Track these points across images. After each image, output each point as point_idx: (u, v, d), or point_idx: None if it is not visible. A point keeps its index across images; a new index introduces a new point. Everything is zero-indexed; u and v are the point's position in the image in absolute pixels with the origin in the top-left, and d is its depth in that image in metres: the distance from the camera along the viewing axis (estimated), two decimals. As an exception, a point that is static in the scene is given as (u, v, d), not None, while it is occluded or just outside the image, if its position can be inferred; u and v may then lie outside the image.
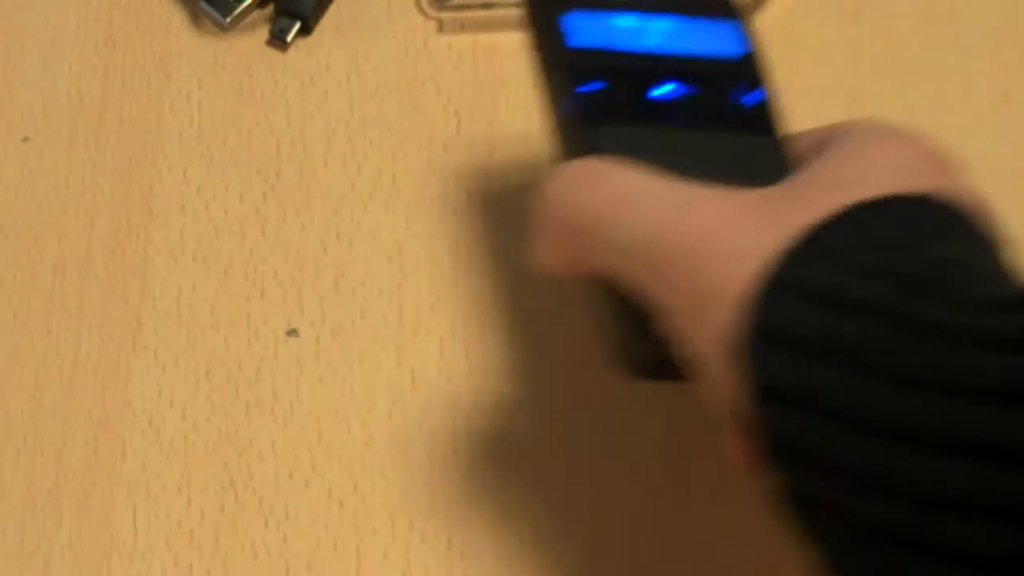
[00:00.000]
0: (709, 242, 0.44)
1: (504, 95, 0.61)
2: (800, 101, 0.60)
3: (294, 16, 0.63)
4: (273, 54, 0.63)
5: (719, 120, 0.50)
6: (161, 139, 0.62)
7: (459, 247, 0.59)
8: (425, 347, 0.57)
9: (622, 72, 0.51)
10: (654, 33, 0.52)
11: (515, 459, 0.56)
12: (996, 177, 0.59)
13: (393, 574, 0.54)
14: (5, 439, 0.57)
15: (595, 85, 0.51)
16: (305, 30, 0.63)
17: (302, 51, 0.63)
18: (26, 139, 0.62)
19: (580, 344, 0.57)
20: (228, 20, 0.62)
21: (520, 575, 0.54)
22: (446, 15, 0.63)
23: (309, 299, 0.58)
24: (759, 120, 0.51)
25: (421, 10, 0.63)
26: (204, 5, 0.63)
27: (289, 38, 0.62)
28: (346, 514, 0.55)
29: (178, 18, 0.64)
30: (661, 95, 0.51)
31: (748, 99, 0.51)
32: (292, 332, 0.58)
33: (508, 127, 0.60)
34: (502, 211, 0.59)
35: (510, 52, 0.62)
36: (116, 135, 0.62)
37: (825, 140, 0.49)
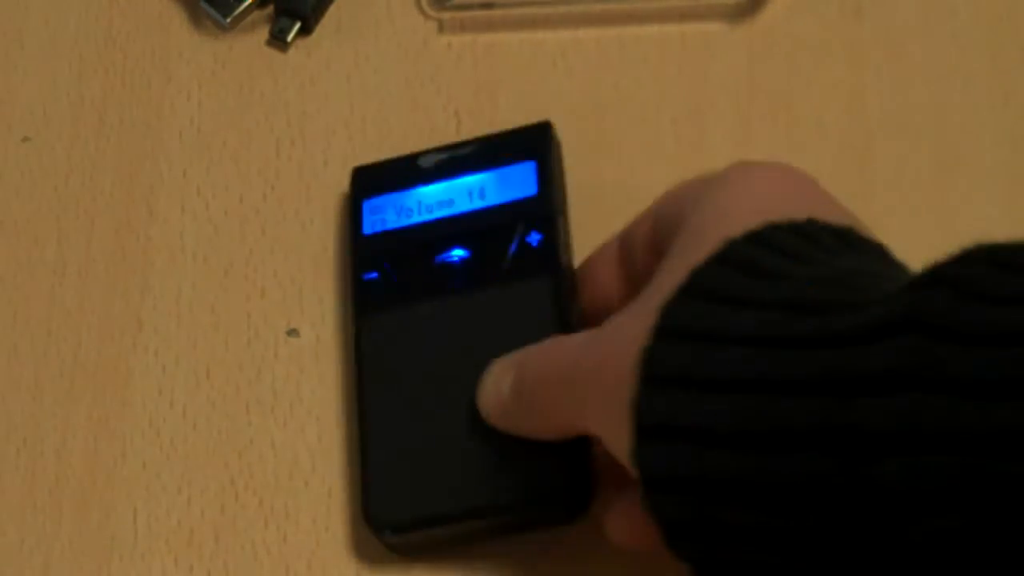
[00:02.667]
0: (608, 357, 0.46)
1: (504, 95, 0.61)
2: (800, 101, 0.60)
3: (294, 16, 0.63)
4: (273, 54, 0.63)
5: (496, 276, 0.54)
6: (161, 139, 0.62)
7: (459, 247, 0.59)
8: (425, 347, 0.57)
9: (405, 249, 0.55)
10: (447, 197, 0.56)
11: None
12: (996, 177, 0.59)
13: (393, 574, 0.54)
14: (5, 439, 0.57)
15: (374, 274, 0.55)
16: (305, 30, 0.63)
17: (302, 51, 0.63)
18: (26, 139, 0.62)
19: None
20: (228, 20, 0.62)
21: (520, 575, 0.54)
22: (446, 15, 0.63)
23: (309, 299, 0.58)
24: (542, 261, 0.54)
25: (421, 10, 0.63)
26: (204, 5, 0.63)
27: (289, 38, 0.62)
28: (346, 514, 0.55)
29: (178, 18, 0.64)
30: (445, 259, 0.54)
31: (532, 239, 0.54)
32: (292, 332, 0.58)
33: (508, 127, 0.60)
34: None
35: (510, 52, 0.62)
36: (116, 135, 0.62)
37: (671, 215, 0.49)
